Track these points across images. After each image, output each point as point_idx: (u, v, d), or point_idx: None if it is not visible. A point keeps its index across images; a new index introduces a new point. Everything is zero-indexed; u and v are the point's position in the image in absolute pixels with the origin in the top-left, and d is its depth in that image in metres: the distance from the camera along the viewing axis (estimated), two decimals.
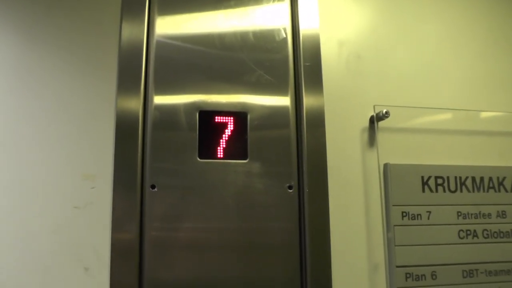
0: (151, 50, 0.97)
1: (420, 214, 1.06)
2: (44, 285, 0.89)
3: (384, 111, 1.05)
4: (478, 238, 1.09)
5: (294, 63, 1.04)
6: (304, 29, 1.05)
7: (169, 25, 1.00)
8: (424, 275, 1.04)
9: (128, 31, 0.97)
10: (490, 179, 1.13)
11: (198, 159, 0.95)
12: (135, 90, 0.94)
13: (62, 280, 0.89)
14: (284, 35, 1.05)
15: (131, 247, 0.88)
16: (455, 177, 1.11)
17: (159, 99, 0.96)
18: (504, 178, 1.14)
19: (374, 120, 1.07)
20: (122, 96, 0.94)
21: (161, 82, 0.96)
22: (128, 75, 0.95)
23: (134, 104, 0.94)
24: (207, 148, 0.96)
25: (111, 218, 0.89)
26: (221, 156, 0.96)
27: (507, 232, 1.11)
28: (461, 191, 1.11)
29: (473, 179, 1.12)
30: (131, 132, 0.92)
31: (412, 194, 1.07)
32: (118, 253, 0.87)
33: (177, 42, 0.99)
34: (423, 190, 1.08)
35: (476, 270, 1.07)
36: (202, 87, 0.98)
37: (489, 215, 1.11)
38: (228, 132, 0.98)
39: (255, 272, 0.93)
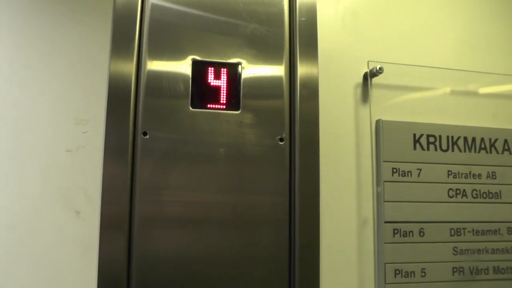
0: None
1: (410, 171, 1.07)
2: (35, 227, 0.90)
3: (378, 67, 1.05)
4: (467, 197, 1.10)
5: (289, 17, 1.03)
6: None
7: None
8: (412, 231, 1.05)
9: None
10: (482, 140, 1.13)
11: (191, 108, 0.95)
12: (129, 45, 0.93)
13: (54, 222, 0.91)
14: None
15: (122, 192, 0.89)
16: (447, 136, 1.11)
17: (153, 53, 0.95)
18: (496, 140, 1.14)
19: (368, 76, 1.07)
20: (116, 46, 0.93)
21: (156, 34, 0.95)
22: (123, 25, 0.94)
23: (129, 56, 0.93)
24: (199, 98, 0.96)
25: (103, 162, 0.89)
26: (213, 106, 0.97)
27: (496, 193, 1.12)
28: (452, 150, 1.11)
29: (465, 139, 1.12)
30: (124, 82, 0.92)
31: (403, 151, 1.07)
32: (109, 195, 0.88)
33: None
34: (415, 148, 1.08)
35: (464, 229, 1.09)
36: (197, 39, 0.98)
37: (479, 175, 1.12)
38: (221, 82, 0.98)
39: (243, 218, 0.94)
